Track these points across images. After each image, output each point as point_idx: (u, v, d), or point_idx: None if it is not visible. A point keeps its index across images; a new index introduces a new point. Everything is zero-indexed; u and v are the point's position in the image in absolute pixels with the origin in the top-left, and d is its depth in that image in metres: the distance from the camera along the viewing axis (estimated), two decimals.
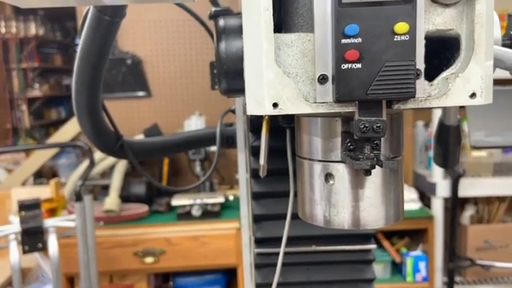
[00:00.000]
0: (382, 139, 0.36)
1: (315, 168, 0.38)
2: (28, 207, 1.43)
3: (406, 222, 1.93)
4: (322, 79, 0.32)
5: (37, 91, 3.74)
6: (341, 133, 0.36)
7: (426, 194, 2.04)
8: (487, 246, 1.98)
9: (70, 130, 2.39)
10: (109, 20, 0.51)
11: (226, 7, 0.65)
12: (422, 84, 0.32)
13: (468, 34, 0.32)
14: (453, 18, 0.32)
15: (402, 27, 0.30)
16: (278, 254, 0.61)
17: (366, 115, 0.32)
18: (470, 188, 1.90)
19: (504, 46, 0.41)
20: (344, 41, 0.30)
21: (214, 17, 0.69)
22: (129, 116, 2.25)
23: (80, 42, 0.54)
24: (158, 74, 2.25)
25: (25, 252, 1.42)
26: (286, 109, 0.32)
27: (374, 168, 0.32)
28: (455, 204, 1.89)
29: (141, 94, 2.25)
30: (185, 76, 2.26)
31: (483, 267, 1.95)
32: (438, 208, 1.93)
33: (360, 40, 0.30)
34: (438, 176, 1.92)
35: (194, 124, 2.08)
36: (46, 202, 1.90)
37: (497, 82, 0.39)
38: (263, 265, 0.62)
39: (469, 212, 2.05)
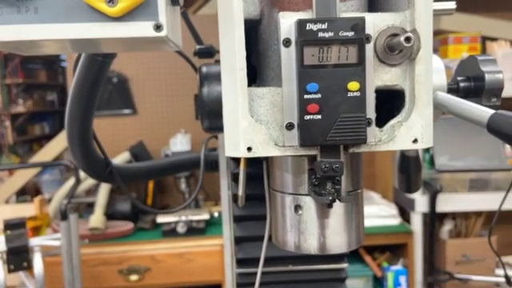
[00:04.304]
0: (343, 176, 0.41)
1: (286, 200, 0.44)
2: (13, 226, 1.45)
3: (386, 237, 1.99)
4: (289, 126, 0.38)
5: (20, 107, 3.73)
6: (307, 170, 0.41)
7: (405, 210, 2.10)
8: (465, 260, 2.04)
9: (54, 147, 2.38)
10: (101, 60, 0.56)
11: (210, 45, 0.71)
12: (372, 130, 0.38)
13: (410, 89, 0.38)
14: (398, 75, 0.38)
15: (353, 85, 0.36)
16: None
17: (327, 157, 0.37)
18: (447, 203, 1.96)
19: (451, 90, 0.47)
20: (306, 96, 0.36)
21: (199, 53, 0.74)
22: (115, 133, 2.27)
23: (74, 78, 0.59)
24: (144, 91, 2.29)
25: (10, 271, 1.43)
26: (258, 152, 0.37)
27: (335, 202, 0.38)
28: (433, 219, 1.96)
29: (127, 111, 2.28)
30: (170, 94, 2.30)
31: (461, 281, 2.01)
32: (417, 223, 1.99)
33: (320, 96, 0.36)
34: (416, 192, 1.98)
35: (180, 142, 2.11)
36: (30, 219, 1.90)
37: None
38: (244, 284, 0.67)
39: (447, 227, 2.11)
